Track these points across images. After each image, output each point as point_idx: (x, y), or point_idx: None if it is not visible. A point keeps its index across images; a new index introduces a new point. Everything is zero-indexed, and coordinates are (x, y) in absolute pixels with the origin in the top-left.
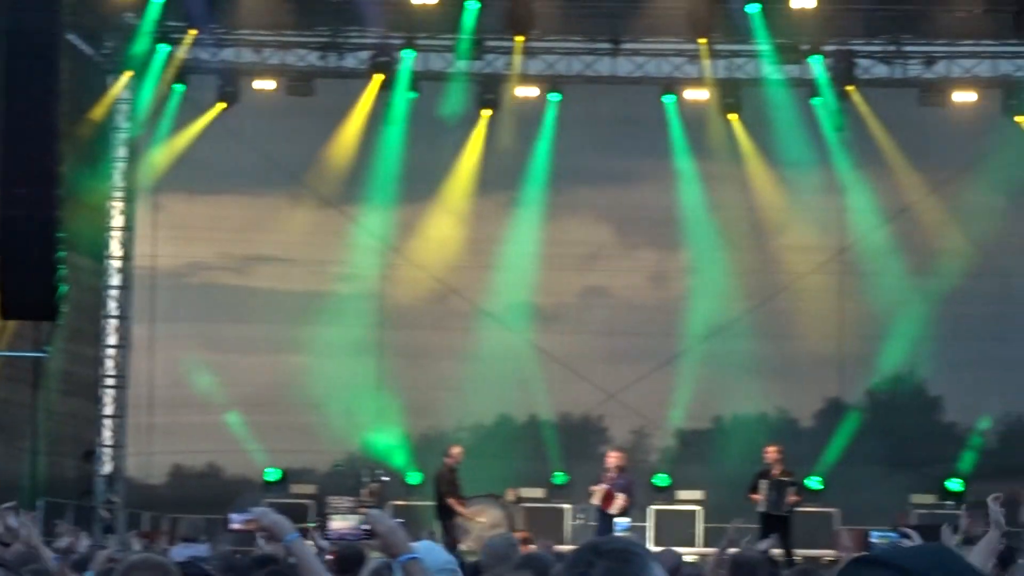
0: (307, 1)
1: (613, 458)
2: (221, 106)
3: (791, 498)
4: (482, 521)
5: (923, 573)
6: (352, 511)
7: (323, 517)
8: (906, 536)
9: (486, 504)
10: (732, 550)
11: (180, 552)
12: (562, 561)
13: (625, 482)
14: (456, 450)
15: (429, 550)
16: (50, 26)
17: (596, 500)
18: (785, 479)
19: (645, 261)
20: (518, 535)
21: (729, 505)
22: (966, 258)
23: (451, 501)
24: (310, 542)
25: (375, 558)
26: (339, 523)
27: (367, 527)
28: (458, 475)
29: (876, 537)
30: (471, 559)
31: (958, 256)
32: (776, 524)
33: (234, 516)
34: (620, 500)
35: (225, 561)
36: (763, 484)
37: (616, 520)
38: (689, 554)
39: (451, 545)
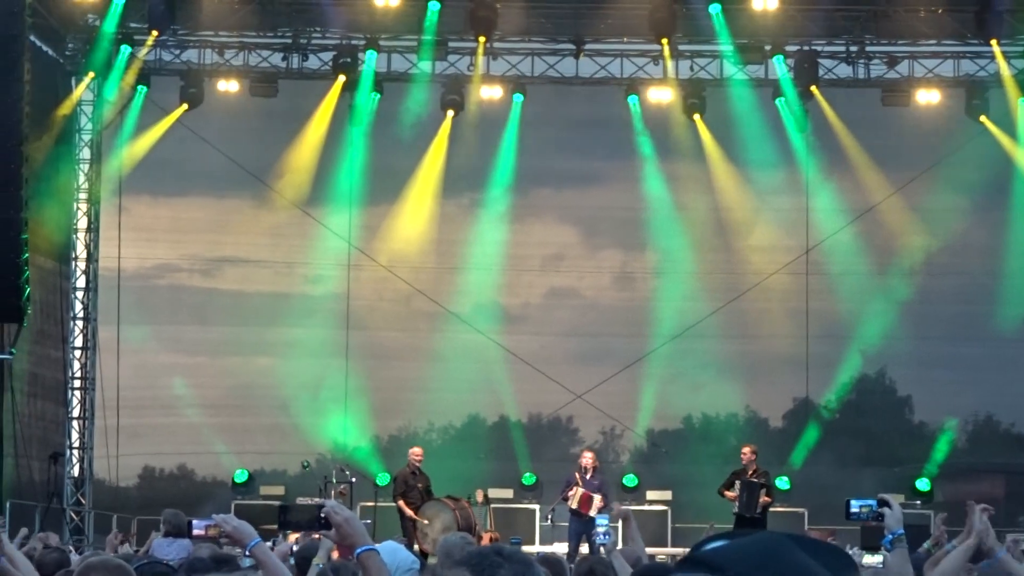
0: (269, 2)
1: (587, 459)
2: (184, 107)
3: (763, 499)
4: (435, 524)
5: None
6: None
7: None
8: (886, 504)
9: (438, 507)
10: None
11: (161, 546)
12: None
13: (599, 482)
14: (415, 451)
15: (393, 550)
16: (13, 29)
17: (574, 504)
18: (757, 481)
19: (610, 262)
20: (487, 536)
21: (698, 506)
22: (930, 257)
23: (400, 503)
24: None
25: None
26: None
27: (323, 518)
28: (419, 476)
29: (856, 506)
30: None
31: (922, 255)
32: (749, 527)
33: (196, 522)
34: (597, 500)
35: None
36: (737, 484)
37: (597, 518)
38: (659, 554)
39: (409, 545)
